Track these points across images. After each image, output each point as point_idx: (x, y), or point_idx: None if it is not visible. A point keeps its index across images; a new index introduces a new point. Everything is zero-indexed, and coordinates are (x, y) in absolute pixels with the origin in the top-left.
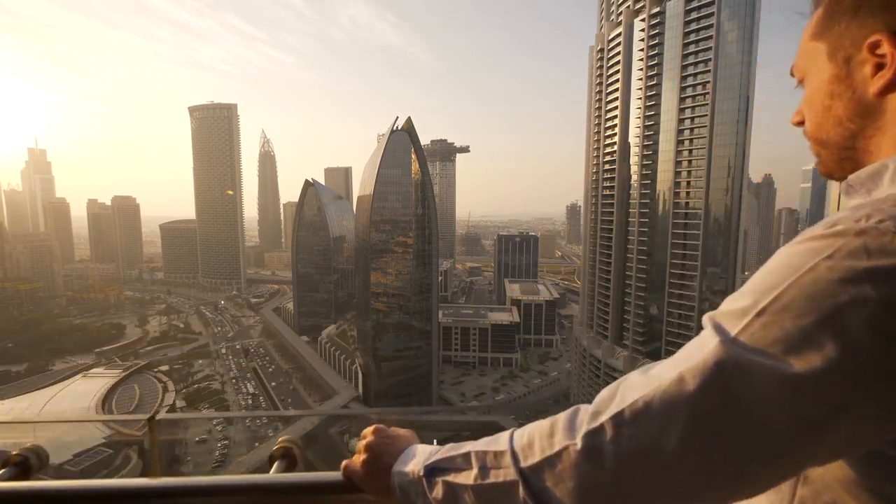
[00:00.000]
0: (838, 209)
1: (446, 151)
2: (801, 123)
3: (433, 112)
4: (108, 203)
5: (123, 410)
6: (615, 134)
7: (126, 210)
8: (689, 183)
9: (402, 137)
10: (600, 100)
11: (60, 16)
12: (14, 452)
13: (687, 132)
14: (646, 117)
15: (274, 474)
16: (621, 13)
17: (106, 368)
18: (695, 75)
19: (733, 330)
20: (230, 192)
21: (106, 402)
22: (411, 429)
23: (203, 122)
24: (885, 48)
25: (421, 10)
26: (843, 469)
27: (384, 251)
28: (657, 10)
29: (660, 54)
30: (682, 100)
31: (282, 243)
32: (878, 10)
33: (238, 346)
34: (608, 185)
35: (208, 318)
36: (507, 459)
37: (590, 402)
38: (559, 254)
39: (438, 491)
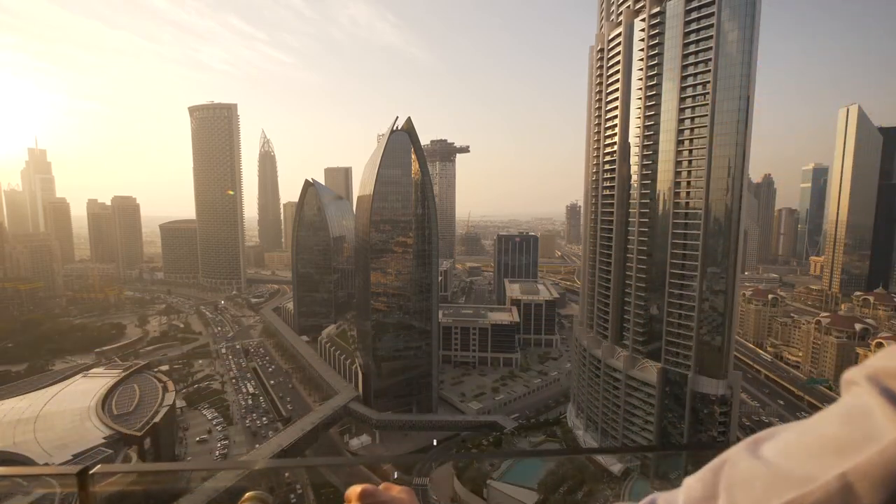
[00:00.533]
0: (838, 209)
1: (446, 151)
2: None
3: (433, 112)
4: (108, 203)
5: (123, 410)
6: (615, 134)
7: (126, 210)
8: (689, 183)
9: (402, 137)
10: (600, 100)
11: (60, 16)
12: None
13: (687, 132)
14: (646, 117)
15: None
16: (621, 13)
17: (106, 368)
18: (695, 75)
19: None
20: (230, 192)
21: (106, 401)
22: (412, 429)
23: (203, 122)
24: None
25: (421, 10)
26: None
27: (384, 251)
28: (657, 10)
29: (660, 54)
30: (682, 100)
31: (282, 243)
32: None
33: (238, 346)
34: (608, 185)
35: (208, 318)
36: None
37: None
38: (559, 254)
39: None
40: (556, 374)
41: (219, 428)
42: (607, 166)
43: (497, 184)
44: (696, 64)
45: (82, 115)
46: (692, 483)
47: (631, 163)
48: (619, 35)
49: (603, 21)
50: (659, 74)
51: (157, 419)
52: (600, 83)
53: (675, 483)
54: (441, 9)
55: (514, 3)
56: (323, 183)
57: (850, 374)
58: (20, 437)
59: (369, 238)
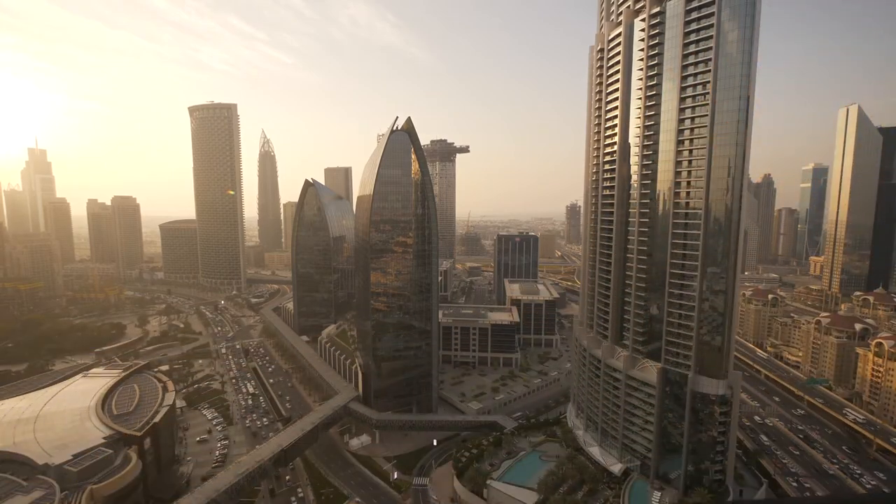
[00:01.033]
0: (838, 209)
1: (446, 151)
2: None
3: (433, 112)
4: (108, 203)
5: (123, 410)
6: (615, 134)
7: (126, 210)
8: (689, 183)
9: (402, 137)
10: (600, 100)
11: (61, 16)
12: None
13: (687, 132)
14: (646, 117)
15: None
16: (621, 13)
17: (106, 368)
18: (695, 75)
19: None
20: (230, 192)
21: (106, 401)
22: (412, 429)
23: (203, 122)
24: None
25: (421, 10)
26: None
27: (384, 251)
28: (657, 10)
29: (660, 54)
30: (682, 100)
31: (282, 243)
32: None
33: (238, 346)
34: (608, 185)
35: (208, 318)
36: None
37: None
38: (559, 254)
39: None
40: (556, 374)
41: (219, 428)
42: (607, 166)
43: (497, 184)
44: (696, 64)
45: (82, 115)
46: None
47: (631, 163)
48: (619, 35)
49: (603, 21)
50: (659, 74)
51: (157, 419)
52: (600, 83)
53: (675, 483)
54: (441, 9)
55: (514, 3)
56: (323, 183)
57: None
58: (20, 437)
59: (369, 238)
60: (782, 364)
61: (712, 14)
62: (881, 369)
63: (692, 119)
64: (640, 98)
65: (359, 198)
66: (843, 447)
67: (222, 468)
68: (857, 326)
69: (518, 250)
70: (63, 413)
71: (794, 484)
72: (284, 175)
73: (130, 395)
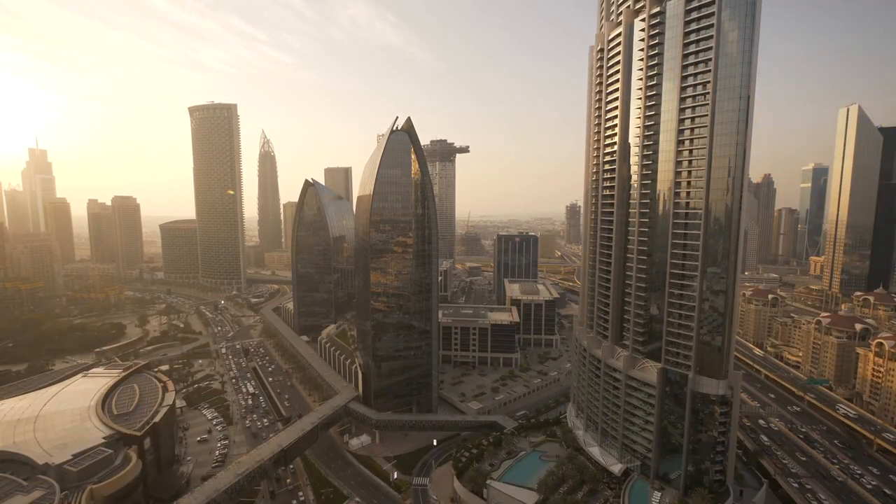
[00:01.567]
0: (838, 209)
1: (446, 151)
2: None
3: (433, 112)
4: (108, 203)
5: (123, 410)
6: (615, 134)
7: (126, 210)
8: (689, 183)
9: (402, 137)
10: (600, 100)
11: (61, 16)
12: None
13: (687, 132)
14: (646, 117)
15: None
16: (621, 13)
17: (106, 368)
18: (695, 75)
19: None
20: (230, 192)
21: (106, 401)
22: (412, 429)
23: (203, 123)
24: None
25: (421, 10)
26: None
27: (384, 251)
28: (657, 10)
29: (660, 54)
30: (682, 100)
31: (282, 243)
32: None
33: (238, 346)
34: (608, 185)
35: (208, 317)
36: None
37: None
38: (559, 254)
39: None
40: (555, 374)
41: (219, 428)
42: (607, 166)
43: (497, 184)
44: (696, 64)
45: (82, 115)
46: None
47: (631, 163)
48: (619, 35)
49: (603, 21)
50: (659, 74)
51: (157, 419)
52: (600, 83)
53: (675, 484)
54: (441, 9)
55: (514, 3)
56: (323, 183)
57: None
58: (20, 437)
59: (369, 238)
60: (782, 364)
61: (712, 14)
62: (881, 369)
63: (692, 119)
64: (640, 98)
65: (359, 198)
66: (836, 441)
67: (222, 468)
68: (858, 326)
69: (518, 250)
70: (63, 413)
71: (795, 485)
72: (284, 175)
73: (130, 395)
